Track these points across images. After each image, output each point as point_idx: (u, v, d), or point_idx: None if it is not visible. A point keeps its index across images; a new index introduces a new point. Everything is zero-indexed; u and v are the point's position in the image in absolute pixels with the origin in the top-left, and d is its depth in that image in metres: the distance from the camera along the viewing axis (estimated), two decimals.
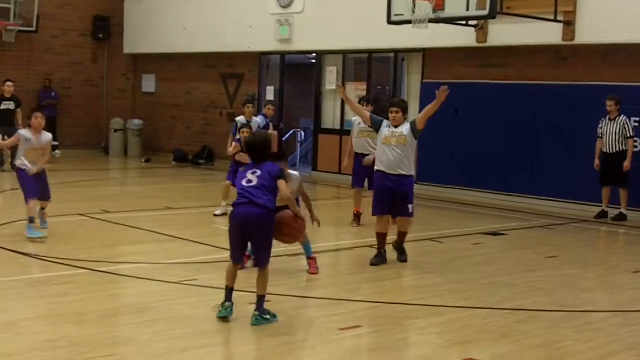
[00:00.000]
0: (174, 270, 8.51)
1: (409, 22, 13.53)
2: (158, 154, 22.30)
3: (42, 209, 10.18)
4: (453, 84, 16.02)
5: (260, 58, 20.15)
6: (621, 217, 13.22)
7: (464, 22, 14.18)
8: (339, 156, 11.90)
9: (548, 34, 14.05)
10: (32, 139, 9.74)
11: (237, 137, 12.63)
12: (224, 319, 6.58)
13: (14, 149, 17.09)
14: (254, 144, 6.88)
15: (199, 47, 20.91)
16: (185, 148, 21.78)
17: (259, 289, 6.67)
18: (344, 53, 18.17)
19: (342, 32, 17.41)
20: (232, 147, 12.15)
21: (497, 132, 15.44)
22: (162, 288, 7.72)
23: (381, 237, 9.22)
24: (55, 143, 13.93)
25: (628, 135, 13.10)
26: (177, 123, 22.60)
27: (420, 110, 15.96)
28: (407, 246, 9.43)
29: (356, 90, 17.16)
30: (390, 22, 14.09)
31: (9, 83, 17.99)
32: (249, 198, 6.54)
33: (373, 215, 9.29)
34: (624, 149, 13.12)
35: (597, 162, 13.35)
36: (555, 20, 13.57)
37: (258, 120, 13.76)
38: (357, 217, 11.80)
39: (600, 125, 13.33)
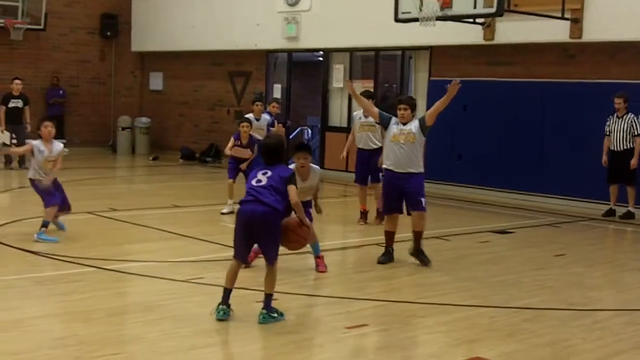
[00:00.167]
0: (181, 269, 8.52)
1: (416, 19, 13.52)
2: (165, 152, 22.33)
3: (56, 216, 10.14)
4: (460, 81, 16.06)
5: (267, 56, 20.15)
6: (629, 215, 13.19)
7: (471, 20, 14.16)
8: (346, 154, 11.91)
9: (555, 31, 14.02)
10: (46, 151, 9.70)
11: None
12: (223, 320, 6.58)
13: (20, 146, 17.21)
14: (268, 146, 6.87)
15: (206, 45, 20.93)
16: (193, 146, 21.80)
17: (267, 287, 6.67)
18: (351, 51, 18.16)
19: (349, 30, 17.41)
20: (230, 144, 12.22)
21: (504, 130, 15.42)
22: (169, 286, 7.73)
23: (389, 236, 9.19)
24: (63, 141, 13.93)
25: (636, 133, 13.06)
26: (185, 121, 22.62)
27: (428, 108, 16.01)
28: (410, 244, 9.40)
29: (363, 87, 17.11)
30: (397, 19, 14.08)
31: (17, 81, 18.03)
32: (256, 196, 6.55)
33: (383, 214, 9.19)
34: (632, 146, 13.08)
35: (604, 158, 13.32)
36: (562, 18, 13.54)
37: (267, 117, 13.78)
38: (364, 215, 11.80)
39: (607, 123, 13.30)
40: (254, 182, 6.66)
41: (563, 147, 14.63)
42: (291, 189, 6.65)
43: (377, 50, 17.68)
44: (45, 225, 9.62)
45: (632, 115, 13.11)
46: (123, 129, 22.75)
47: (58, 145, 9.90)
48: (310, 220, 8.24)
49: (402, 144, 8.91)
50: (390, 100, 17.91)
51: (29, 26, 21.05)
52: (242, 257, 6.74)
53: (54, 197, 9.73)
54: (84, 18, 22.69)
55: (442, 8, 13.18)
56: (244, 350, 6.13)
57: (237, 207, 6.79)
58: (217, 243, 9.91)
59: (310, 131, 21.06)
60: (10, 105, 17.67)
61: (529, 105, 15.05)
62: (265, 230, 6.55)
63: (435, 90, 16.25)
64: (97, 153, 22.03)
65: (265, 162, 6.83)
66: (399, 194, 9.01)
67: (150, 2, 22.67)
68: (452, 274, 8.73)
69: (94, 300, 7.14)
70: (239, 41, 19.98)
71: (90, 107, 22.90)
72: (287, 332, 6.47)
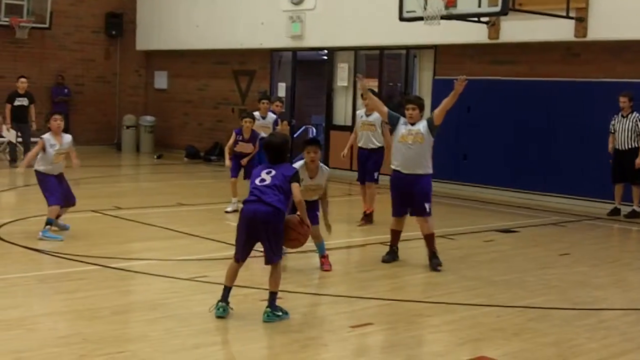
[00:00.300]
0: (186, 267, 8.52)
1: (420, 18, 13.51)
2: (170, 151, 22.34)
3: (58, 216, 10.14)
4: (466, 78, 16.04)
5: (271, 55, 20.16)
6: (634, 214, 13.15)
7: (475, 19, 14.14)
8: (348, 152, 11.91)
9: (560, 30, 14.00)
10: (56, 144, 9.75)
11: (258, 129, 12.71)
12: (222, 317, 6.57)
13: (26, 146, 17.26)
14: (272, 145, 6.85)
15: (210, 44, 20.94)
16: (197, 144, 21.81)
17: (271, 285, 6.67)
18: (356, 49, 18.15)
19: (354, 29, 17.40)
20: (231, 140, 12.23)
21: (508, 129, 15.40)
22: (174, 285, 7.73)
23: (395, 235, 9.15)
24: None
25: None
26: (189, 119, 22.63)
27: (432, 106, 15.97)
28: (418, 243, 9.38)
29: (368, 86, 17.09)
30: (402, 18, 14.07)
31: (22, 79, 18.04)
32: (259, 196, 6.54)
33: (393, 216, 9.09)
34: (637, 145, 13.04)
35: (610, 146, 13.24)
36: (567, 17, 13.51)
37: (274, 116, 13.77)
38: (367, 215, 11.75)
39: (612, 122, 13.27)
40: (257, 182, 6.64)
41: (568, 147, 14.60)
42: (295, 186, 6.64)
43: (381, 49, 17.67)
44: (49, 223, 9.62)
45: (637, 114, 13.07)
46: (128, 127, 22.77)
47: (67, 138, 9.96)
48: (316, 222, 8.23)
49: (410, 144, 8.77)
50: (395, 100, 17.92)
51: (34, 25, 21.09)
52: (243, 256, 6.72)
53: (57, 197, 9.74)
54: (89, 17, 22.71)
55: (446, 7, 13.17)
56: (247, 349, 6.12)
57: (241, 205, 6.81)
58: (221, 241, 9.91)
59: (314, 130, 21.05)
60: (16, 103, 17.68)
61: (534, 104, 15.03)
62: (268, 229, 6.53)
63: (439, 89, 16.25)
64: (102, 152, 22.04)
65: (269, 160, 6.82)
66: (407, 196, 8.86)
67: (155, 1, 22.69)
68: (457, 273, 8.71)
69: (98, 298, 7.14)
70: (244, 40, 19.98)
71: (95, 105, 22.92)
72: (292, 331, 6.46)
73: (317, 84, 20.02)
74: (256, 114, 13.57)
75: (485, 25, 14.70)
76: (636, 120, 13.04)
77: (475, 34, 15.01)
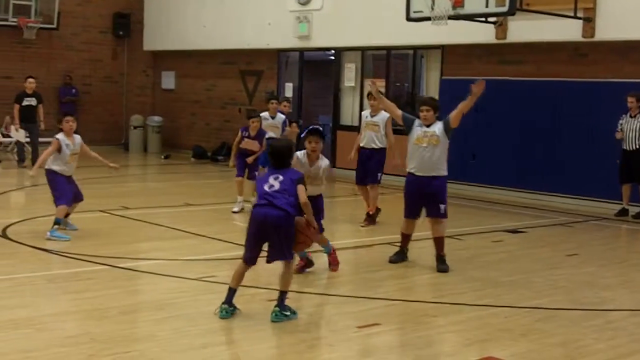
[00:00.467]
0: (193, 267, 8.54)
1: (428, 18, 13.50)
2: (177, 151, 22.38)
3: (67, 215, 10.18)
4: (472, 80, 16.01)
5: (279, 55, 20.17)
6: None
7: (483, 19, 14.12)
8: (355, 154, 11.92)
9: (567, 30, 13.98)
10: (70, 144, 9.86)
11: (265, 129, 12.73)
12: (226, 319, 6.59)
13: (34, 146, 17.31)
14: (277, 150, 6.88)
15: (218, 44, 20.96)
16: (205, 144, 21.83)
17: (282, 284, 6.68)
18: (363, 50, 18.14)
19: (361, 29, 17.40)
20: (237, 138, 12.25)
21: (516, 129, 15.38)
22: (181, 284, 7.75)
23: (405, 238, 9.08)
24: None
25: None
26: (197, 120, 22.67)
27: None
28: (426, 243, 9.38)
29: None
30: (409, 18, 14.06)
31: (30, 79, 18.09)
32: (269, 200, 6.57)
33: (405, 217, 9.02)
34: None
35: (619, 133, 13.17)
36: (574, 17, 13.48)
37: (283, 116, 13.77)
38: (370, 216, 11.74)
39: (620, 122, 13.23)
40: (266, 188, 6.66)
41: (575, 147, 14.58)
42: (300, 189, 6.66)
43: (388, 49, 17.66)
44: (57, 223, 9.66)
45: None
46: (135, 127, 22.81)
47: (78, 138, 10.06)
48: (321, 230, 8.16)
49: (425, 147, 8.68)
50: (402, 99, 17.91)
51: (42, 25, 21.14)
52: (252, 259, 6.72)
53: (65, 197, 9.78)
54: (96, 17, 22.76)
55: (454, 7, 13.15)
56: (254, 349, 6.13)
57: (247, 204, 6.86)
58: (228, 241, 9.93)
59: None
60: (24, 103, 17.72)
61: (541, 104, 15.00)
62: (279, 233, 6.56)
63: (447, 89, 16.24)
64: (109, 152, 21.94)
65: (274, 165, 6.83)
66: (421, 197, 8.79)
67: (162, 2, 22.73)
68: (464, 274, 8.70)
69: (106, 298, 7.15)
70: (251, 40, 20.00)
71: (102, 106, 22.96)
72: (299, 331, 6.47)
73: (324, 84, 20.02)
74: (265, 114, 13.59)
75: (492, 26, 14.69)
76: None
77: (482, 34, 14.99)
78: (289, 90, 19.85)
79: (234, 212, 12.11)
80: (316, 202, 7.77)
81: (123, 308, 6.91)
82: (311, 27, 18.53)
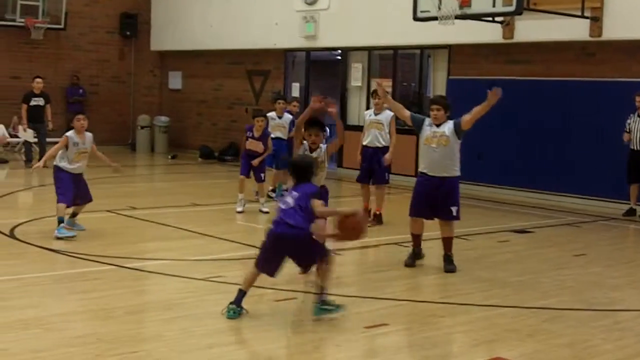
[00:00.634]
0: (200, 267, 8.54)
1: (435, 18, 13.49)
2: (184, 151, 22.40)
3: (75, 215, 10.21)
4: (479, 80, 16.04)
5: (285, 55, 20.18)
6: None
7: (490, 18, 14.11)
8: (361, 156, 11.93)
9: (575, 29, 13.95)
10: (80, 142, 9.89)
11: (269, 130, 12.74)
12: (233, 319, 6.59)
13: (42, 146, 17.35)
14: (298, 165, 6.89)
15: (225, 44, 20.98)
16: (212, 144, 21.86)
17: (320, 279, 6.69)
18: (370, 49, 18.14)
19: (368, 29, 17.39)
20: (245, 138, 12.26)
21: (523, 129, 15.35)
22: (188, 285, 7.75)
23: (416, 238, 8.97)
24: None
25: None
26: (203, 120, 22.69)
27: None
28: (434, 244, 9.36)
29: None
30: (416, 18, 14.06)
31: (38, 80, 18.13)
32: (284, 219, 6.55)
33: (409, 215, 8.89)
34: None
35: (626, 135, 13.13)
36: (582, 16, 13.46)
37: (290, 116, 13.79)
38: (372, 216, 11.71)
39: (628, 121, 13.20)
40: (282, 205, 6.67)
41: (583, 146, 14.55)
42: (315, 202, 6.57)
43: (395, 48, 17.65)
44: (60, 221, 9.70)
45: None
46: (142, 127, 22.84)
47: (89, 136, 10.08)
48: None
49: (434, 147, 8.55)
50: (409, 99, 17.90)
51: (49, 26, 21.19)
52: (270, 272, 6.69)
53: (67, 196, 9.81)
54: (103, 17, 22.80)
55: (461, 7, 13.15)
56: (262, 349, 6.13)
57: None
58: (235, 242, 9.94)
59: (328, 130, 21.03)
60: (32, 103, 17.78)
61: (549, 104, 14.98)
62: (297, 249, 6.57)
63: (454, 89, 16.23)
64: (116, 152, 22.02)
65: (294, 179, 6.82)
66: (431, 199, 8.66)
67: (169, 2, 22.76)
68: (472, 274, 8.69)
69: (113, 298, 7.16)
70: (258, 40, 20.01)
71: (109, 106, 23.00)
72: (306, 331, 6.47)
73: (331, 84, 20.02)
74: (272, 114, 13.60)
75: (499, 25, 14.66)
76: None
77: (489, 33, 14.97)
78: (295, 90, 19.86)
79: (239, 212, 12.08)
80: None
81: (130, 308, 6.92)
82: (318, 27, 18.53)
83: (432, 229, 9.21)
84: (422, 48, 17.19)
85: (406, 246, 9.33)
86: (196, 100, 22.87)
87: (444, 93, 16.48)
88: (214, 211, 12.53)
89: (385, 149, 11.58)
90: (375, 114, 11.61)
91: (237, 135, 20.88)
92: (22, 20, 20.69)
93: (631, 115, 13.18)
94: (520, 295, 7.82)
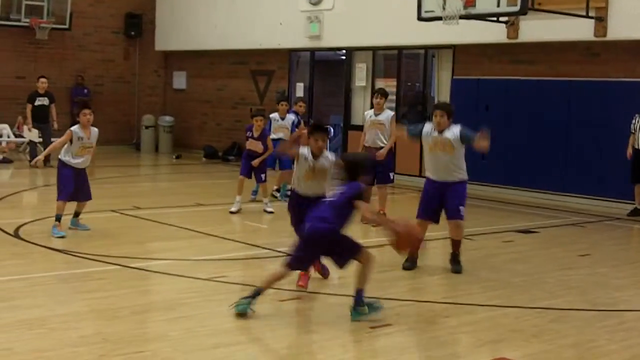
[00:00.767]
0: (204, 267, 8.55)
1: (439, 18, 13.48)
2: (189, 151, 22.42)
3: (77, 215, 10.22)
4: (483, 80, 16.04)
5: (290, 55, 20.18)
6: None
7: (494, 18, 14.09)
8: None
9: (580, 29, 13.93)
10: (84, 136, 9.88)
11: (271, 134, 12.73)
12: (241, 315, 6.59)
13: (47, 146, 17.35)
14: (348, 161, 6.87)
15: (229, 44, 20.99)
16: (216, 144, 21.86)
17: (357, 281, 6.71)
18: (374, 49, 18.13)
19: (372, 29, 17.38)
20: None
21: (528, 129, 15.34)
22: (193, 284, 7.75)
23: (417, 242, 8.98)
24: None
25: None
26: (208, 120, 22.70)
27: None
28: (438, 243, 9.37)
29: (386, 86, 17.08)
30: (420, 18, 14.04)
31: (42, 79, 18.15)
32: (317, 214, 6.63)
33: (417, 217, 8.79)
34: None
35: (629, 151, 13.13)
36: (587, 16, 13.44)
37: (292, 117, 13.79)
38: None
39: (633, 122, 13.18)
40: (324, 199, 6.75)
41: (587, 147, 14.53)
42: (360, 205, 6.54)
43: (400, 48, 17.64)
44: (58, 219, 9.73)
45: None
46: (147, 127, 22.87)
47: (95, 131, 10.08)
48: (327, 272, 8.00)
49: (440, 154, 8.48)
50: (414, 100, 17.89)
51: (54, 26, 21.21)
52: (302, 267, 6.71)
53: (68, 193, 9.84)
54: (108, 18, 22.83)
55: (465, 7, 13.13)
56: (267, 349, 6.13)
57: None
58: (240, 241, 9.95)
59: (332, 130, 21.05)
60: (37, 103, 17.79)
61: (553, 104, 14.96)
62: (328, 245, 6.61)
63: (458, 89, 16.23)
64: (121, 151, 22.14)
65: (344, 175, 6.77)
66: (437, 203, 8.61)
67: (174, 2, 22.77)
68: (476, 274, 8.68)
69: (117, 298, 7.17)
70: (262, 40, 20.02)
71: (114, 105, 23.01)
72: (310, 332, 6.47)
73: (335, 84, 20.02)
74: (275, 115, 13.60)
75: (504, 25, 14.64)
76: None
77: (494, 33, 14.95)
78: (299, 90, 19.87)
79: (232, 212, 12.05)
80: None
81: (135, 308, 6.93)
82: (322, 27, 18.53)
83: (435, 229, 9.20)
84: (426, 48, 17.17)
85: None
86: (200, 100, 22.88)
87: (448, 93, 16.51)
88: (218, 211, 12.53)
89: (389, 149, 11.58)
90: (376, 114, 11.62)
91: (241, 135, 20.73)
92: (27, 20, 20.71)
93: (636, 115, 13.15)
94: (525, 296, 7.82)
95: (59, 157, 9.96)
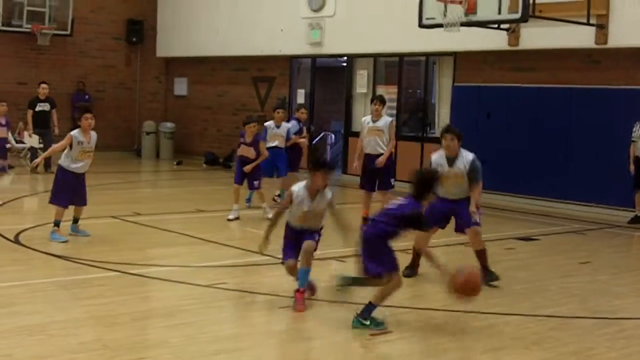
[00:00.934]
0: (204, 273, 8.54)
1: (440, 25, 13.49)
2: (189, 157, 22.41)
3: (76, 221, 10.22)
4: (484, 87, 16.05)
5: (291, 61, 20.20)
6: None
7: (495, 26, 14.11)
8: (360, 162, 11.89)
9: (581, 37, 13.94)
10: (84, 141, 9.87)
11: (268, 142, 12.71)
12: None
13: (46, 150, 17.35)
14: (419, 176, 6.85)
15: (230, 51, 21.01)
16: (216, 151, 21.87)
17: (374, 295, 6.70)
18: (375, 56, 18.15)
19: (373, 36, 17.40)
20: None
21: (529, 136, 15.34)
22: (193, 291, 7.75)
23: (416, 253, 8.90)
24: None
25: None
26: (209, 126, 22.71)
27: (452, 113, 16.00)
28: (440, 251, 9.32)
29: (387, 93, 17.09)
30: (421, 25, 14.06)
31: (43, 85, 18.17)
32: (374, 217, 6.75)
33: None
34: None
35: (631, 167, 13.17)
36: (588, 24, 13.45)
37: (288, 125, 13.79)
38: (366, 220, 11.71)
39: (634, 129, 13.18)
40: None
41: (588, 154, 14.53)
42: (419, 236, 6.77)
43: (401, 55, 17.66)
44: (57, 224, 9.73)
45: None
46: (148, 133, 22.87)
47: (94, 135, 10.06)
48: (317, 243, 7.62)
49: (451, 184, 8.30)
50: (415, 107, 17.90)
51: (56, 32, 21.24)
52: (379, 271, 6.72)
53: (62, 199, 9.85)
54: (109, 24, 22.86)
55: (466, 14, 13.15)
56: (266, 356, 6.13)
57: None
58: (240, 248, 9.94)
59: (333, 136, 21.06)
60: (37, 109, 17.80)
61: (554, 111, 14.96)
62: (367, 249, 6.65)
63: (459, 96, 16.24)
64: (122, 158, 22.14)
65: (412, 189, 6.75)
66: (445, 216, 8.53)
67: (175, 8, 22.81)
68: None
69: (117, 304, 7.16)
70: (263, 47, 20.04)
71: (115, 112, 23.04)
72: (310, 338, 6.47)
73: (336, 90, 20.04)
74: (270, 123, 13.59)
75: (505, 32, 14.66)
76: None
77: (495, 40, 14.97)
78: (301, 96, 19.89)
79: (229, 220, 12.03)
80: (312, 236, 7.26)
81: (135, 314, 6.92)
82: (323, 33, 18.55)
83: (435, 235, 9.18)
84: (427, 55, 17.19)
85: (410, 253, 9.29)
86: (201, 107, 22.90)
87: (449, 100, 16.52)
88: (219, 217, 12.51)
89: (389, 156, 11.58)
90: (374, 121, 11.62)
91: None
92: (29, 26, 20.76)
93: (636, 123, 13.15)
94: (526, 303, 7.81)
95: (59, 162, 9.96)
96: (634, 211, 13.36)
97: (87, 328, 6.53)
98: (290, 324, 6.94)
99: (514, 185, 15.53)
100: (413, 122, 17.82)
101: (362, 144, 11.82)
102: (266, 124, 13.66)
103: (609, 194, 14.14)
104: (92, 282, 8.00)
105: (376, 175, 11.62)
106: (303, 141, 14.06)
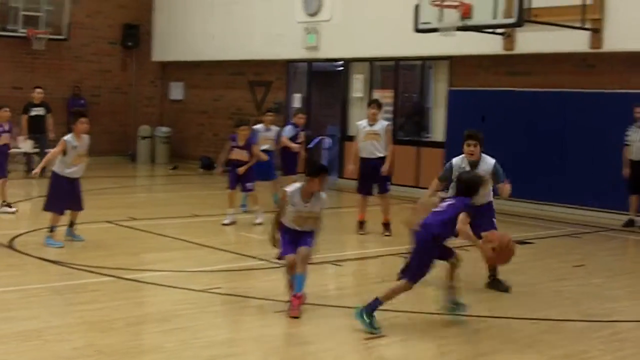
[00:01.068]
0: (199, 278, 8.55)
1: (436, 30, 13.52)
2: (185, 161, 22.41)
3: (72, 225, 10.23)
4: (480, 91, 16.08)
5: (287, 66, 20.21)
6: None
7: (491, 30, 14.14)
8: (356, 166, 11.91)
9: (575, 41, 13.97)
10: (78, 145, 9.87)
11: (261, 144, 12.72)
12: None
13: (43, 156, 17.34)
14: (464, 180, 7.19)
15: (226, 55, 21.02)
16: (212, 155, 21.80)
17: (383, 293, 6.81)
18: (371, 61, 18.17)
19: (369, 40, 17.43)
20: (226, 146, 12.22)
21: (524, 140, 15.35)
22: (187, 296, 7.75)
23: None
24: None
25: None
26: (205, 130, 22.71)
27: (448, 117, 15.98)
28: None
29: (383, 97, 17.11)
30: (417, 30, 14.08)
31: (38, 90, 18.18)
32: (425, 220, 6.85)
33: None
34: None
35: (625, 170, 13.20)
36: (582, 28, 13.48)
37: (277, 128, 13.79)
38: (362, 224, 11.73)
39: (628, 133, 13.21)
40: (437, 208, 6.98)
41: (582, 158, 14.55)
42: (461, 217, 6.70)
43: (397, 60, 17.68)
44: (52, 230, 9.73)
45: None
46: (143, 138, 22.85)
47: (86, 138, 10.05)
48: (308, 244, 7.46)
49: None
50: (411, 111, 17.92)
51: (51, 36, 21.22)
52: (419, 275, 6.89)
53: (58, 206, 9.87)
54: (105, 28, 22.86)
55: (462, 18, 13.16)
56: None
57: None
58: (235, 253, 9.95)
59: (330, 140, 21.04)
60: (32, 113, 17.81)
61: (549, 115, 14.99)
62: (415, 249, 6.81)
63: (454, 100, 16.26)
64: (117, 162, 22.14)
65: (458, 191, 7.14)
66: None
67: (171, 13, 22.82)
68: (471, 285, 8.66)
69: (112, 309, 7.17)
70: (260, 51, 20.05)
71: (111, 116, 23.02)
72: (306, 343, 6.48)
73: (332, 95, 20.05)
74: (260, 126, 13.62)
75: (500, 37, 14.70)
76: None
77: (490, 45, 14.99)
78: (297, 101, 19.89)
79: (224, 225, 12.03)
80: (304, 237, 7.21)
81: (129, 320, 6.92)
82: (320, 38, 18.57)
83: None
84: (423, 59, 17.22)
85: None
86: (197, 111, 22.90)
87: (445, 104, 16.54)
88: (214, 222, 12.51)
89: (383, 160, 11.57)
90: (370, 125, 11.62)
91: None
92: (24, 30, 20.71)
93: (630, 126, 13.18)
94: (520, 306, 7.82)
95: (53, 169, 9.96)
96: (628, 214, 13.39)
97: (82, 333, 6.53)
98: (285, 329, 6.94)
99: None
100: (409, 126, 17.84)
101: (357, 147, 11.81)
102: (255, 127, 13.67)
103: (604, 198, 14.16)
104: (86, 287, 8.00)
105: (373, 180, 11.63)
106: (295, 146, 13.95)
